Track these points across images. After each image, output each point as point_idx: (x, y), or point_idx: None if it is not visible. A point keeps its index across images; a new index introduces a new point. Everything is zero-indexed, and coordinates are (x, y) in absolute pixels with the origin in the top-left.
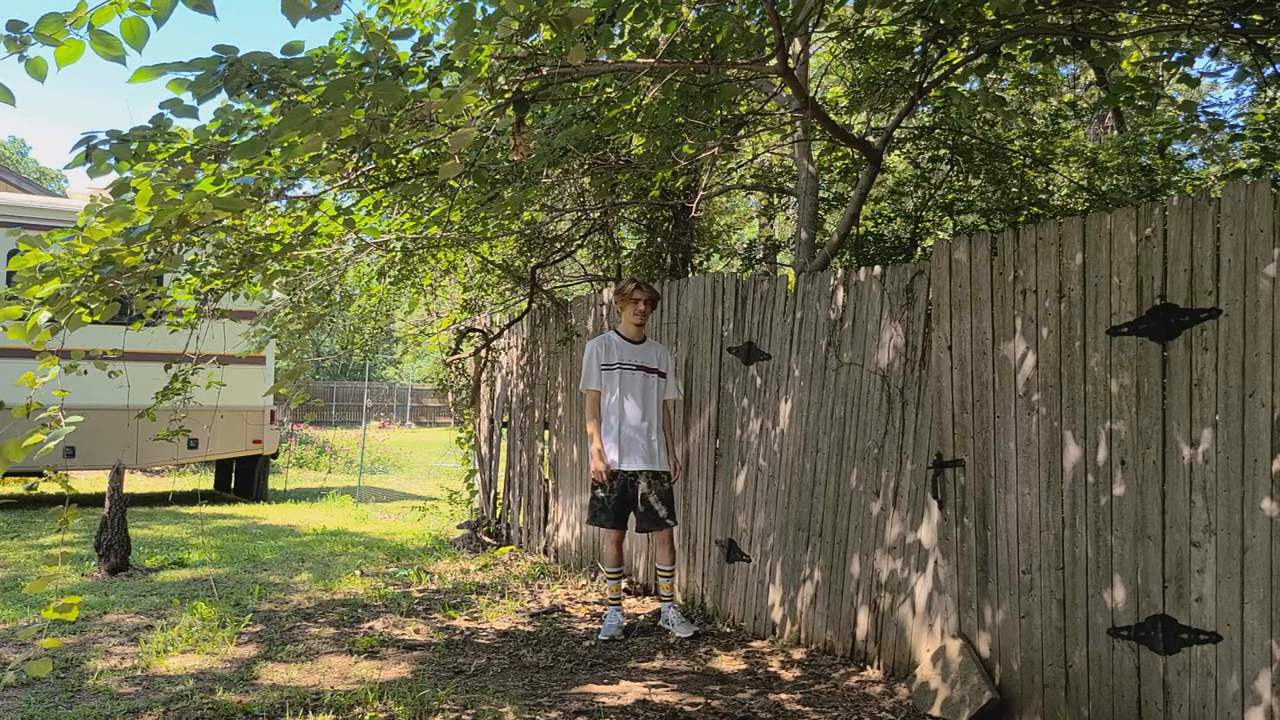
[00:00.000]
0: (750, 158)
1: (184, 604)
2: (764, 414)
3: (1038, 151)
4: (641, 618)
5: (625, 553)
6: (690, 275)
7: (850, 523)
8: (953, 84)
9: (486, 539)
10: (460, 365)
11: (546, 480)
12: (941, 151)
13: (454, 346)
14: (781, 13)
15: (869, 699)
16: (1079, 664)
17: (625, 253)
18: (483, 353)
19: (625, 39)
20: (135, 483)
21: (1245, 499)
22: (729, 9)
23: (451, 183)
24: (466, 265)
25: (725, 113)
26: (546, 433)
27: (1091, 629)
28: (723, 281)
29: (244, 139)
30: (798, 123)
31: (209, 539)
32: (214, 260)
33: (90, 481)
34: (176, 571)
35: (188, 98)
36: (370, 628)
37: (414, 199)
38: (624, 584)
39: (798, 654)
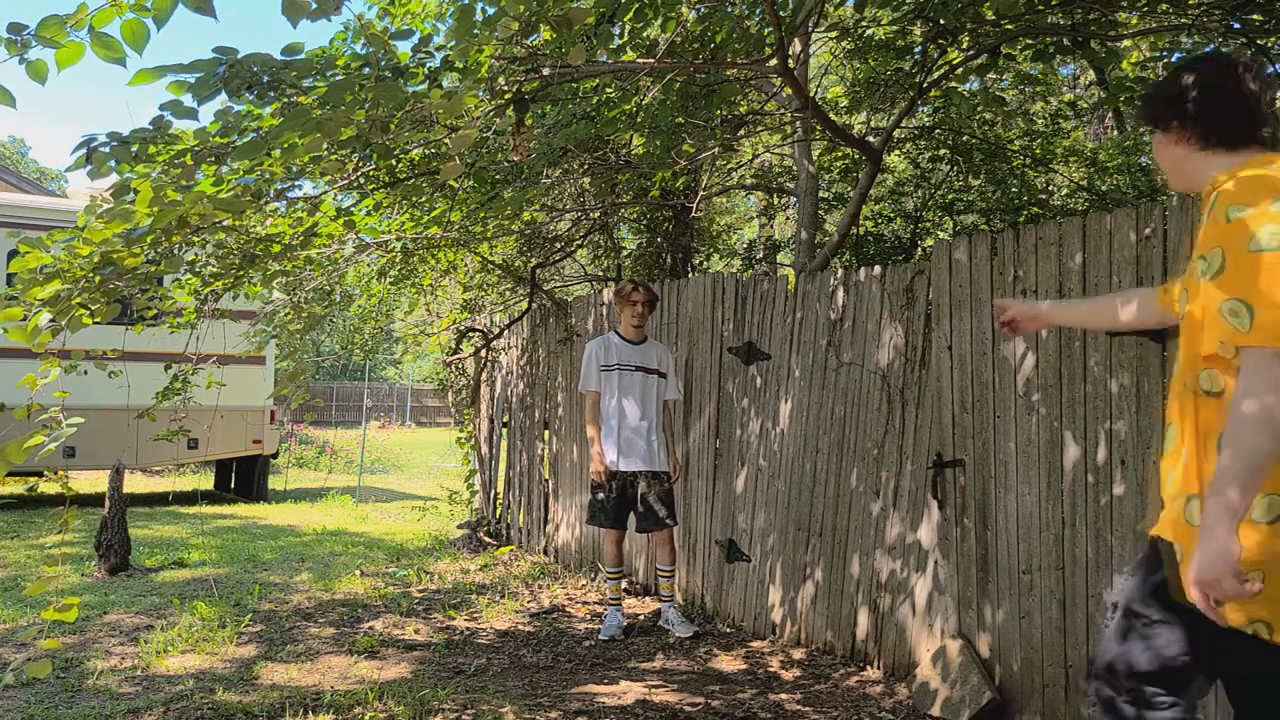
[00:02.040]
0: (750, 158)
1: (184, 604)
2: (764, 414)
3: (1038, 151)
4: (641, 618)
5: (625, 553)
6: (690, 275)
7: (850, 523)
8: (953, 84)
9: (486, 539)
10: (460, 365)
11: (546, 480)
12: (941, 151)
13: (454, 346)
14: (781, 13)
15: (869, 699)
16: (1079, 664)
17: (625, 253)
18: (483, 353)
19: (625, 39)
20: (135, 483)
21: None
22: (729, 9)
23: (452, 183)
24: (466, 265)
25: (725, 113)
26: (546, 433)
27: (1092, 629)
28: (723, 281)
29: (244, 140)
30: (798, 123)
31: (209, 539)
32: (214, 260)
33: (90, 481)
34: (176, 571)
35: (188, 99)
36: (370, 628)
37: (414, 199)
38: (624, 584)
39: (798, 654)
